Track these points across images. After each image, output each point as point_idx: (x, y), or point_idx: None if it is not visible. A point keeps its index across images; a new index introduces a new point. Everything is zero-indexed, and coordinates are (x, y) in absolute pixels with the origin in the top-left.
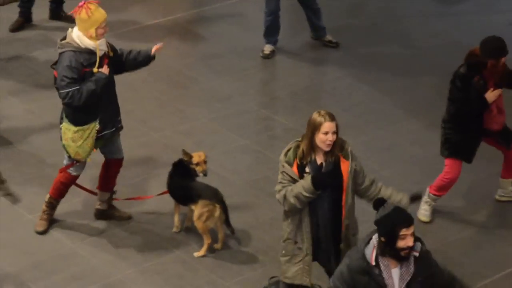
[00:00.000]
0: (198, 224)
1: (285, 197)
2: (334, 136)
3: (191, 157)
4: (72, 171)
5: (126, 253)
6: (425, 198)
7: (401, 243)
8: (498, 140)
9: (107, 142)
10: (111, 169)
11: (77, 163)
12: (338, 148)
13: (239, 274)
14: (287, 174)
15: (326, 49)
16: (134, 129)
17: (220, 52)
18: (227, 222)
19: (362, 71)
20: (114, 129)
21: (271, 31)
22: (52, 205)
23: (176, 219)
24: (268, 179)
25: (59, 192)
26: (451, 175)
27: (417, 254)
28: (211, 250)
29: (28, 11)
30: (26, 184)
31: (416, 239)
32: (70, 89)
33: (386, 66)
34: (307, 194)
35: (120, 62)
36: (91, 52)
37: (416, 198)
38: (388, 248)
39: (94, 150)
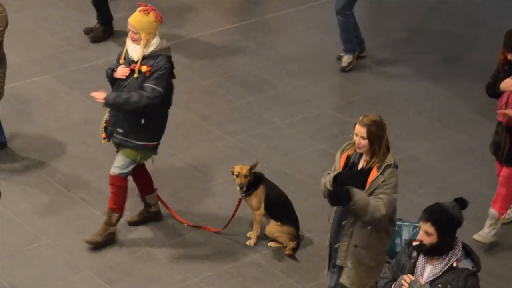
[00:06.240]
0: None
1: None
2: (362, 141)
3: (232, 168)
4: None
5: (202, 256)
6: None
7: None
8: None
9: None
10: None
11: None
12: (377, 159)
13: (314, 279)
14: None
15: (402, 52)
16: (210, 133)
17: (297, 55)
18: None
19: (439, 74)
20: (110, 133)
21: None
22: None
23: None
24: None
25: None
26: None
27: (455, 264)
28: (282, 253)
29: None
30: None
31: (471, 256)
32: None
33: (463, 70)
34: (328, 187)
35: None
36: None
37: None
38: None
39: (104, 137)
